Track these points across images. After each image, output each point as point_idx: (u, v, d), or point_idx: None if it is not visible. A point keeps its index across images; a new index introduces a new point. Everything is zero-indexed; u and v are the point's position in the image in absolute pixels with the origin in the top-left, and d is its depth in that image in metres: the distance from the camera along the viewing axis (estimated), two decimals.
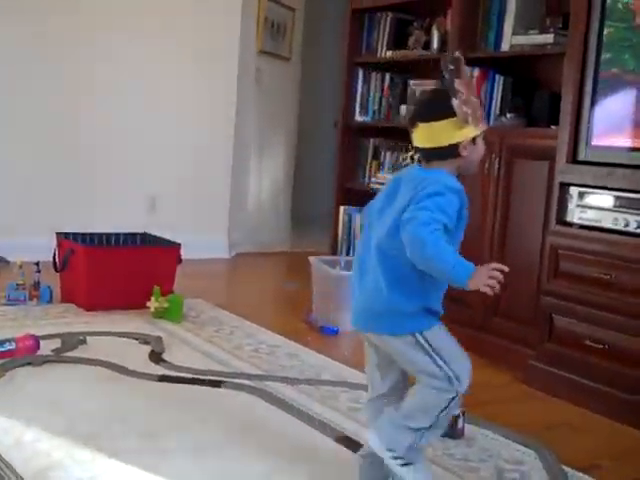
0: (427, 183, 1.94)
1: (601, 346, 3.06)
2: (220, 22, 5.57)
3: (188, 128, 5.52)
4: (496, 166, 3.68)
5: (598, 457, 2.62)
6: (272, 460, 2.34)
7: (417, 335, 2.00)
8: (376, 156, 4.70)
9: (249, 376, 3.09)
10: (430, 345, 2.01)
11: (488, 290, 1.93)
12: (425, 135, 2.00)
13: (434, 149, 2.00)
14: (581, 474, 2.42)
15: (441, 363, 2.01)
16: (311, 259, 4.14)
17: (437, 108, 1.99)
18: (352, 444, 2.47)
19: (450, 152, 2.00)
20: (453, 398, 2.05)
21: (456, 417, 2.60)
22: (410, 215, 1.89)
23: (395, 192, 2.02)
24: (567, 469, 2.44)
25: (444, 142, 1.99)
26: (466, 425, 2.64)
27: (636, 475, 2.47)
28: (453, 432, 2.60)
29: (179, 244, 4.16)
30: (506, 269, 1.96)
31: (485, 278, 1.93)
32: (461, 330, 3.79)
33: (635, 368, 2.94)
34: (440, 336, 2.05)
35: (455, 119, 1.96)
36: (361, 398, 2.92)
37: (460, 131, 1.98)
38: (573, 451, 2.62)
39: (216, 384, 2.96)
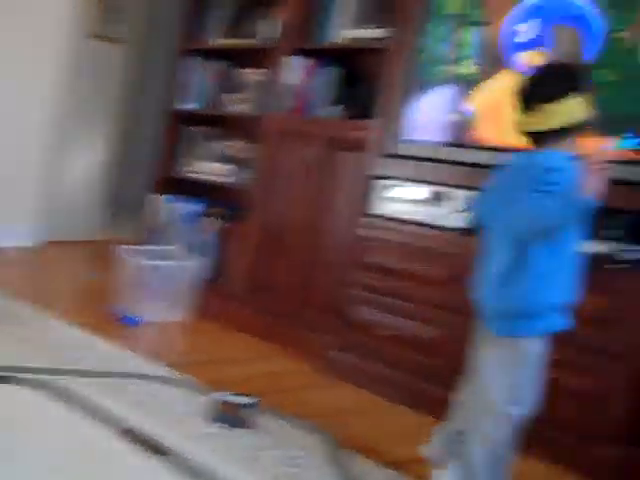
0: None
1: (397, 334, 3.07)
2: (46, 2, 5.28)
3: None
4: (315, 156, 3.64)
5: (378, 441, 2.63)
6: (53, 457, 2.17)
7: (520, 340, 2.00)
8: (201, 145, 4.56)
9: (35, 370, 2.84)
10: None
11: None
12: (546, 118, 1.95)
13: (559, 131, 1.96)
14: (361, 456, 2.43)
15: None
16: (118, 248, 3.96)
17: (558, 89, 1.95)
18: (136, 438, 2.34)
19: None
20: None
21: (248, 406, 2.54)
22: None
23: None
24: (348, 452, 2.44)
25: (563, 123, 1.95)
26: (258, 414, 2.58)
27: (413, 455, 2.45)
28: (244, 422, 2.53)
29: None
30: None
31: (598, 178, 1.81)
32: (266, 319, 3.76)
33: (425, 354, 2.98)
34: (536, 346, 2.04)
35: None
36: (152, 390, 2.78)
37: None
38: (358, 435, 2.62)
39: (3, 380, 2.70)
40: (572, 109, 1.90)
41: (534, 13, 2.82)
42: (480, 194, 2.14)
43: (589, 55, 2.65)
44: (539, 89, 1.93)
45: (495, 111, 2.94)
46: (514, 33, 2.86)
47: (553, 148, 1.94)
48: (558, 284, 1.91)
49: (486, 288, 1.99)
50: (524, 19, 2.84)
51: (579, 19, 2.69)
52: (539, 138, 1.96)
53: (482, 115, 2.99)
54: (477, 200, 2.17)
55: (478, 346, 2.06)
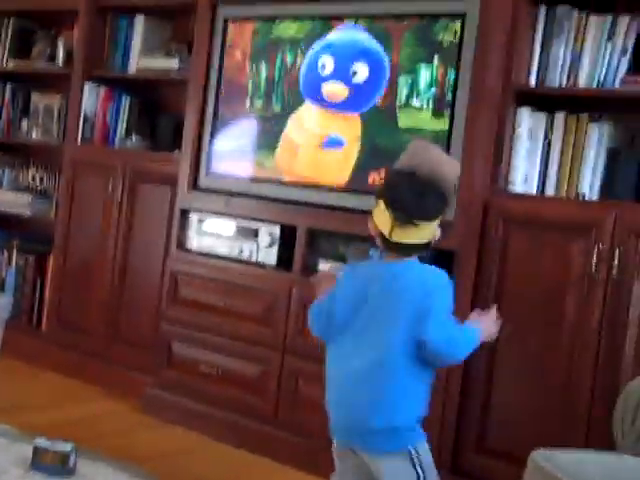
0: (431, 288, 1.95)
1: (214, 371, 3.14)
2: None
3: None
4: (119, 190, 3.61)
5: None
6: None
7: (411, 450, 1.94)
8: None
9: None
10: (420, 460, 1.95)
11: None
12: (420, 233, 1.95)
13: (424, 245, 1.99)
14: None
15: None
16: None
17: (438, 208, 1.97)
18: None
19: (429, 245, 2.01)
20: None
21: (66, 453, 2.48)
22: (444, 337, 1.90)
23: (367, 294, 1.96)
24: None
25: (430, 238, 1.99)
26: (78, 460, 2.52)
27: None
28: (64, 470, 2.47)
29: None
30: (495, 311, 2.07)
31: (493, 329, 2.05)
32: (78, 357, 3.70)
33: (244, 391, 3.06)
34: (425, 448, 1.98)
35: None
36: None
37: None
38: (183, 477, 2.66)
39: None
40: (436, 225, 2.01)
41: (328, 49, 2.98)
42: (326, 299, 2.03)
43: (378, 88, 2.85)
44: (421, 205, 1.93)
45: (293, 145, 3.07)
46: (318, 67, 3.00)
47: (412, 259, 2.02)
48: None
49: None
50: (321, 54, 3.00)
51: (368, 55, 2.88)
52: (406, 248, 1.98)
53: (285, 146, 3.10)
54: (321, 305, 2.06)
55: None
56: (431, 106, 2.75)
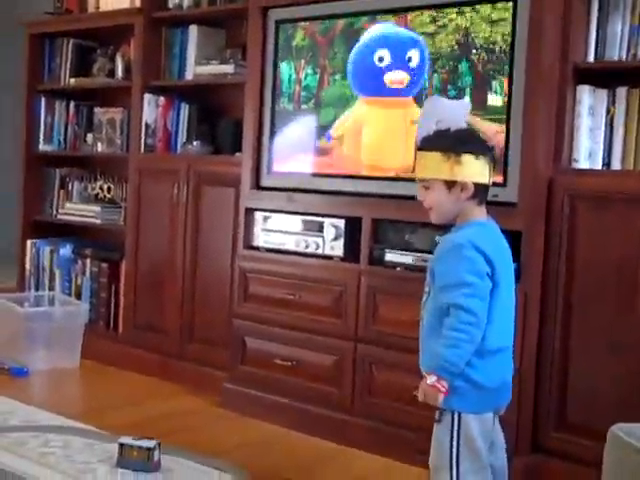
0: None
1: (289, 363, 3.19)
2: None
3: None
4: (184, 194, 3.70)
5: (288, 470, 2.73)
6: None
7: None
8: (63, 186, 4.49)
9: None
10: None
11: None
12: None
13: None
14: None
15: None
16: None
17: None
18: None
19: None
20: None
21: (150, 449, 2.55)
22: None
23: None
24: None
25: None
26: (162, 456, 2.60)
27: None
28: (149, 466, 2.55)
29: None
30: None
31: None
32: (156, 357, 3.80)
33: (319, 382, 3.11)
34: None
35: None
36: (52, 441, 2.75)
37: None
38: (267, 467, 2.71)
39: None
40: None
41: (381, 42, 3.04)
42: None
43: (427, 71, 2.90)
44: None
45: (356, 135, 3.11)
46: (375, 59, 3.05)
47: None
48: None
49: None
50: (376, 47, 3.05)
51: (416, 44, 2.94)
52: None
53: (344, 140, 3.14)
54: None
55: None
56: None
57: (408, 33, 2.98)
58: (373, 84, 3.07)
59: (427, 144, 2.03)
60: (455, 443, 1.96)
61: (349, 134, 3.14)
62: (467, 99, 2.22)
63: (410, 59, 2.98)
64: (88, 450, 2.74)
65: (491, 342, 1.96)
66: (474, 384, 1.95)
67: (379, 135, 3.07)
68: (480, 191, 2.01)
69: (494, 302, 1.96)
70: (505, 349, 2.03)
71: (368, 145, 3.10)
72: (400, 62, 3.00)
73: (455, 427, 1.96)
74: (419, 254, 2.88)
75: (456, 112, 2.13)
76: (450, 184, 1.99)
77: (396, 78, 3.02)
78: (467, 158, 1.97)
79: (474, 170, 1.98)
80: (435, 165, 2.00)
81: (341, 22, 3.15)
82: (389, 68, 3.03)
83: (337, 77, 3.16)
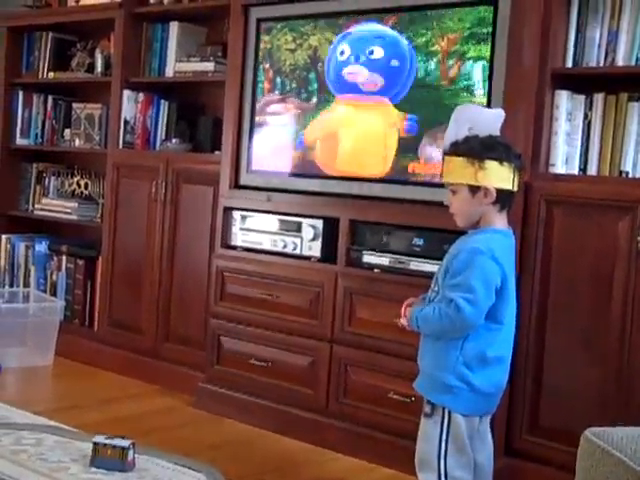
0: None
1: (264, 364, 3.19)
2: None
3: None
4: (162, 191, 3.68)
5: (263, 471, 2.74)
6: None
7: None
8: (40, 181, 4.46)
9: None
10: None
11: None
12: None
13: None
14: None
15: None
16: None
17: None
18: None
19: None
20: None
21: (125, 449, 2.54)
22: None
23: None
24: None
25: None
26: (136, 456, 2.60)
27: None
28: (123, 465, 2.54)
29: None
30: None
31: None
32: (131, 356, 3.78)
33: (294, 382, 3.11)
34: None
35: None
36: (24, 439, 2.75)
37: None
38: (241, 467, 2.72)
39: None
40: None
41: (345, 38, 3.06)
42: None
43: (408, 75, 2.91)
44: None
45: (331, 139, 3.11)
46: (337, 54, 3.07)
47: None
48: None
49: None
50: (339, 42, 3.07)
51: (384, 39, 2.95)
52: None
53: (322, 141, 3.15)
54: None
55: None
56: (466, 91, 2.77)
57: (379, 30, 2.97)
58: (340, 82, 3.07)
59: (453, 149, 2.09)
60: (444, 438, 2.03)
61: (326, 136, 3.14)
62: (501, 109, 2.25)
63: (372, 52, 2.98)
64: (61, 449, 2.72)
65: (495, 350, 2.04)
66: (472, 387, 2.02)
67: (357, 137, 3.06)
68: (503, 197, 2.06)
69: (503, 311, 2.04)
70: (506, 359, 2.11)
71: (346, 146, 3.09)
72: (360, 57, 3.00)
73: (445, 423, 2.03)
74: (396, 256, 2.88)
75: (490, 120, 2.17)
76: (474, 189, 2.05)
77: (353, 71, 3.03)
78: (491, 164, 2.02)
79: (498, 176, 2.03)
80: (460, 170, 2.05)
81: (322, 22, 3.15)
82: (347, 62, 3.04)
83: (317, 76, 3.15)
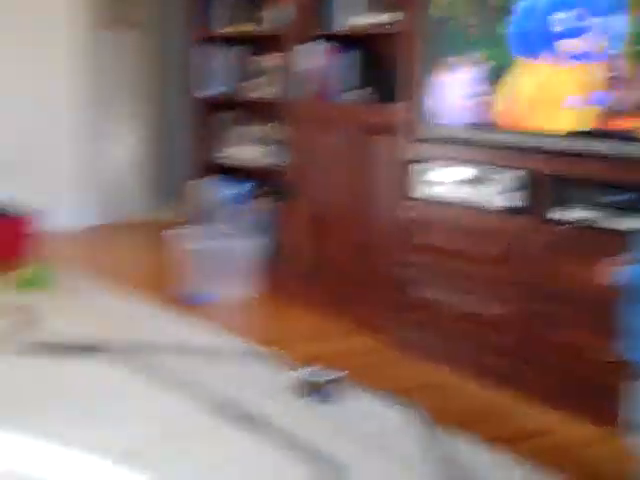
0: None
1: (458, 311, 3.25)
2: None
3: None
4: (345, 141, 3.79)
5: (466, 415, 2.77)
6: (143, 431, 2.35)
7: None
8: (232, 129, 4.70)
9: (123, 346, 3.05)
10: None
11: None
12: None
13: None
14: (453, 431, 2.53)
15: None
16: (171, 230, 4.16)
17: None
18: (227, 411, 2.49)
19: None
20: None
21: (333, 380, 2.72)
22: None
23: None
24: (442, 427, 2.56)
25: None
26: (340, 389, 2.73)
27: (498, 432, 2.64)
28: (331, 397, 2.68)
29: (29, 214, 4.12)
30: None
31: None
32: (327, 296, 3.90)
33: (492, 331, 3.13)
34: None
35: None
36: (238, 366, 2.96)
37: None
38: (443, 410, 2.76)
39: (90, 353, 2.94)
40: None
41: (569, 4, 2.87)
42: None
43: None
44: None
45: (548, 96, 3.00)
46: (550, 22, 2.91)
47: None
48: None
49: None
50: (559, 9, 2.89)
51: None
52: None
53: (531, 100, 3.06)
54: None
55: None
56: None
57: None
58: (542, 45, 2.94)
59: None
60: None
61: (520, 89, 3.05)
62: None
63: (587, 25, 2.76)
64: (274, 377, 2.85)
65: None
66: None
67: (546, 92, 2.98)
68: None
69: None
70: None
71: (536, 102, 3.02)
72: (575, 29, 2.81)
73: None
74: (594, 212, 2.80)
75: None
76: None
77: (570, 44, 2.86)
78: None
79: None
80: None
81: None
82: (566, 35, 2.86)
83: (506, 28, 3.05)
